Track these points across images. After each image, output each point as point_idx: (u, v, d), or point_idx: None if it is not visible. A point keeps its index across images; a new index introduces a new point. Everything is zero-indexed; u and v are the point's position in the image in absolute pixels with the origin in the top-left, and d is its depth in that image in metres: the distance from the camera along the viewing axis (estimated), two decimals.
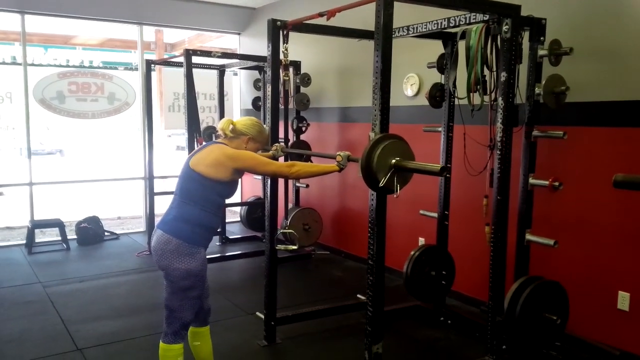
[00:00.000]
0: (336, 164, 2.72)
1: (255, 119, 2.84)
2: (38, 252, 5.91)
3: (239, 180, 2.76)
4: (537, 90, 3.27)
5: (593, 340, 3.48)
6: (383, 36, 2.49)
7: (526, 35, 3.29)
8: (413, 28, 3.52)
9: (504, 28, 2.89)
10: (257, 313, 3.98)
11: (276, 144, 3.33)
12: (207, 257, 2.70)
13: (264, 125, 2.86)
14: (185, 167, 2.64)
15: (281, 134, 5.42)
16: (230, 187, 2.67)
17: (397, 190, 2.47)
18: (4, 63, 7.49)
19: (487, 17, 3.04)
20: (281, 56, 3.44)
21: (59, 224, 6.10)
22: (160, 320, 3.85)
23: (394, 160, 2.42)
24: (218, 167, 2.55)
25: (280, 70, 3.48)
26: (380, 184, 2.44)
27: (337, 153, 2.73)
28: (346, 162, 2.72)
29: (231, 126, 2.69)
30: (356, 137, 5.48)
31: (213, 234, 2.73)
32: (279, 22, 3.40)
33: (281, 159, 3.36)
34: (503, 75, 2.91)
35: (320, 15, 3.13)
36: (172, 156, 12.78)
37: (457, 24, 3.23)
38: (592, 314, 3.50)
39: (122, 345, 3.57)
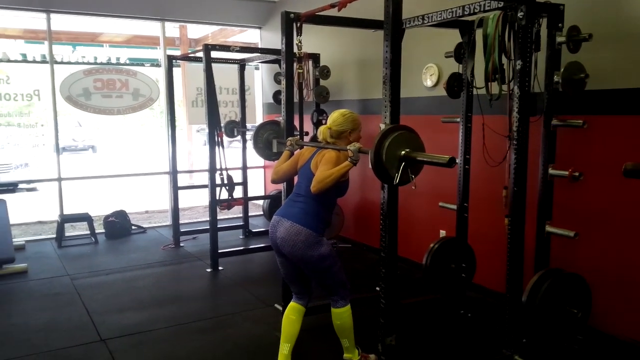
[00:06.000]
0: (349, 159, 2.72)
1: (344, 110, 3.02)
2: (67, 246, 6.08)
3: (346, 180, 2.92)
4: (555, 79, 3.19)
5: (617, 334, 3.40)
6: (392, 25, 2.47)
7: (545, 22, 3.21)
8: (428, 17, 3.46)
9: (519, 15, 2.81)
10: (276, 305, 4.02)
11: (290, 138, 3.33)
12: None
13: (351, 112, 3.02)
14: (306, 167, 2.97)
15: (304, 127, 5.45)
16: (337, 187, 2.83)
17: (412, 179, 2.44)
18: (34, 61, 7.69)
19: (502, 4, 2.97)
20: (295, 49, 3.44)
21: (87, 218, 6.25)
22: (182, 312, 3.95)
23: (403, 152, 2.39)
24: None
25: (295, 63, 3.48)
26: (395, 181, 2.42)
27: (347, 147, 2.72)
28: (358, 156, 2.70)
29: (329, 131, 2.95)
30: (376, 129, 5.43)
31: (329, 225, 3.02)
32: (292, 15, 3.39)
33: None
34: (518, 64, 2.84)
35: (332, 6, 3.12)
36: (201, 151, 12.94)
37: (472, 11, 3.16)
38: (615, 307, 3.41)
39: (144, 336, 3.65)
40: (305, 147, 3.20)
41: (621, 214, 3.35)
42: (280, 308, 3.67)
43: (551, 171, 3.28)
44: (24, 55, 8.07)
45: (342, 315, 2.96)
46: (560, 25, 3.18)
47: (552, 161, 3.30)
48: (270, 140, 3.71)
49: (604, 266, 3.45)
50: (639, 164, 1.67)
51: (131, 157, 15.82)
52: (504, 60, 3.12)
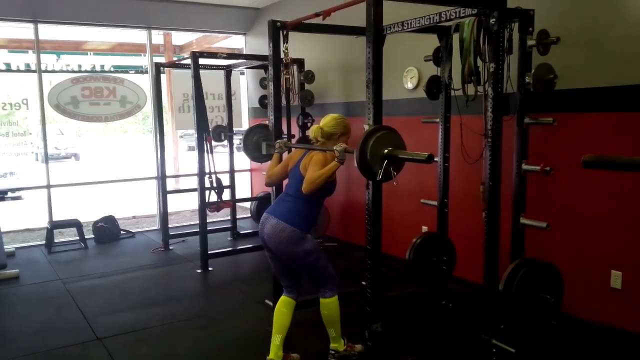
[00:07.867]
0: (336, 159, 2.89)
1: (336, 115, 3.20)
2: (57, 252, 6.15)
3: (333, 180, 3.09)
4: (527, 79, 3.40)
5: (588, 319, 3.62)
6: (373, 33, 2.64)
7: (516, 27, 3.42)
8: (407, 23, 3.64)
9: (491, 21, 3.01)
10: (267, 301, 4.16)
11: (279, 140, 3.49)
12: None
13: (343, 118, 3.20)
14: (296, 169, 3.11)
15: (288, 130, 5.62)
16: (324, 187, 3.00)
17: (394, 176, 2.61)
18: (19, 71, 7.75)
19: (475, 11, 3.16)
20: (282, 55, 3.61)
21: (76, 224, 6.33)
22: (173, 311, 4.06)
23: (386, 150, 2.57)
24: None
25: (282, 69, 3.64)
26: (378, 177, 2.58)
27: (334, 148, 2.89)
28: (344, 155, 2.88)
29: (320, 131, 3.11)
30: (360, 130, 5.60)
31: (315, 224, 3.17)
32: (278, 23, 3.56)
33: (285, 154, 3.51)
34: (492, 66, 3.04)
35: (317, 15, 3.29)
36: (184, 156, 13.04)
37: (448, 18, 3.35)
38: (586, 293, 3.63)
39: (139, 335, 3.77)
40: (294, 149, 3.36)
41: (589, 205, 3.57)
42: (271, 304, 3.82)
43: (524, 166, 3.50)
44: (8, 65, 8.12)
45: (329, 305, 3.13)
46: (530, 29, 3.40)
47: (525, 157, 3.51)
48: (259, 143, 3.85)
49: (574, 254, 3.67)
50: (597, 156, 1.85)
51: (114, 164, 15.83)
52: (479, 63, 3.32)
